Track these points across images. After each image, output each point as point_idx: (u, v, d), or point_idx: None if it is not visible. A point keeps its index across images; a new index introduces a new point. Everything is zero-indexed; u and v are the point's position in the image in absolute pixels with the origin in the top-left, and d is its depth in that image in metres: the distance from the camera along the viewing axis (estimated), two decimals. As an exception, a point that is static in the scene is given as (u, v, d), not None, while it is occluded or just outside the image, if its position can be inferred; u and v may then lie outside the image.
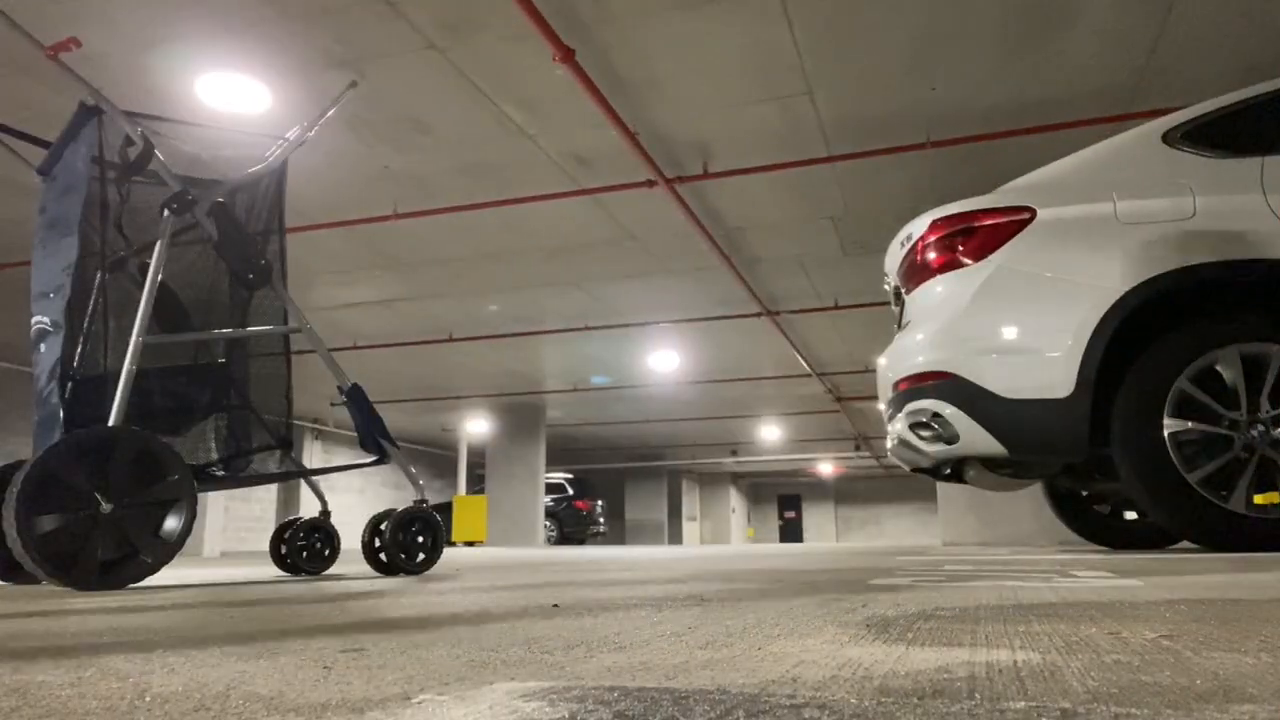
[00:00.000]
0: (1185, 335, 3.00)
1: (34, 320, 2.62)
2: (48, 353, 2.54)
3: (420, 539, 3.08)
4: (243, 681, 0.70)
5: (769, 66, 4.93)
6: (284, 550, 3.33)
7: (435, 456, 22.96)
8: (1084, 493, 4.82)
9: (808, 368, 12.42)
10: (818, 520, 31.73)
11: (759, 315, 9.74)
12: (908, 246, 3.56)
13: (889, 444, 3.74)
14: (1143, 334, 3.12)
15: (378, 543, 3.15)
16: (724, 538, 29.11)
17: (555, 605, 1.42)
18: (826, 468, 27.35)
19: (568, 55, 4.52)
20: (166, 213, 2.67)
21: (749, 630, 1.02)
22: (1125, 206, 3.10)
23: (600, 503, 19.46)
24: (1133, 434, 2.99)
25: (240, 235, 2.79)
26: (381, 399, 15.26)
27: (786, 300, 9.48)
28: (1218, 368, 2.99)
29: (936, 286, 3.35)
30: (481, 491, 16.66)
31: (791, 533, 31.98)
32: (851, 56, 4.85)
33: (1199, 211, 3.00)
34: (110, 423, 2.41)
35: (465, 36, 4.58)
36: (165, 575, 3.18)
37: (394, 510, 3.08)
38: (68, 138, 2.72)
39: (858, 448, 22.16)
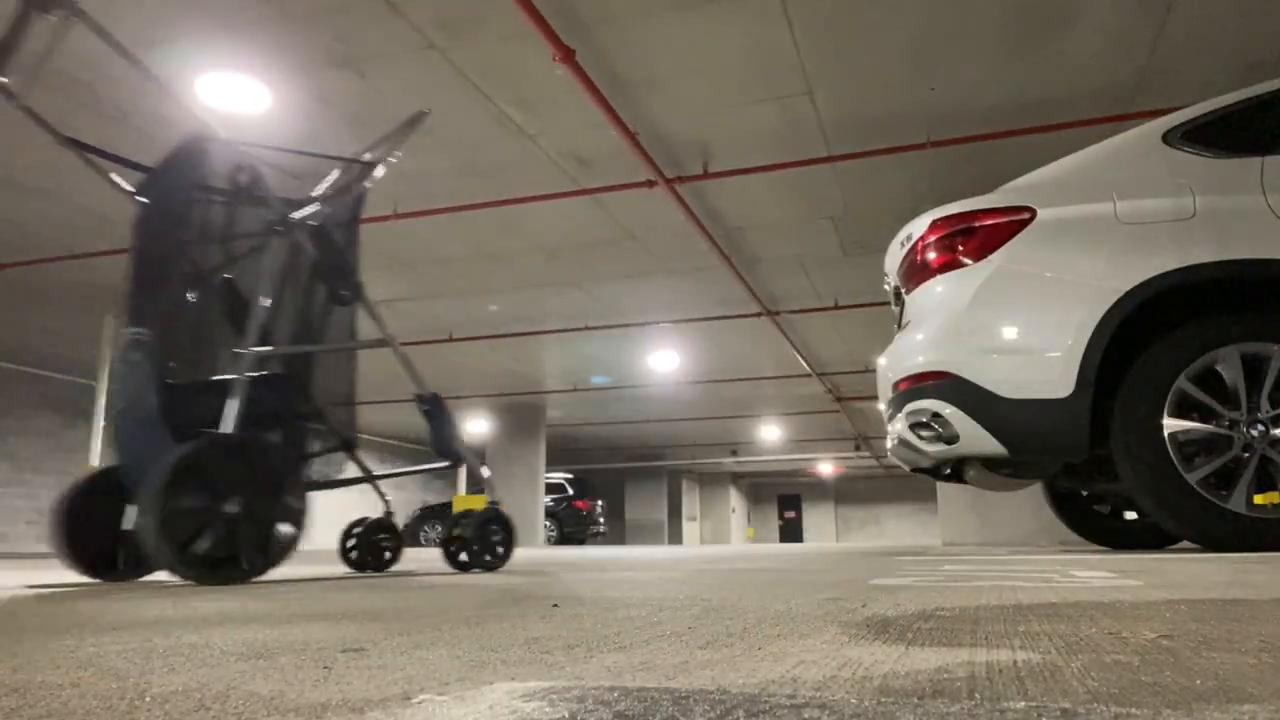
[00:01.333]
0: (1185, 335, 3.00)
1: (130, 331, 2.73)
2: (144, 361, 2.67)
3: (496, 537, 3.35)
4: (243, 681, 0.70)
5: (769, 66, 4.93)
6: (351, 547, 3.49)
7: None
8: (1084, 493, 4.82)
9: (808, 368, 12.42)
10: (818, 520, 31.73)
11: (759, 315, 9.74)
12: (908, 246, 3.56)
13: (889, 444, 3.74)
14: (1143, 334, 3.12)
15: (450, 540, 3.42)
16: (724, 538, 29.11)
17: (555, 605, 1.42)
18: (826, 468, 27.35)
19: (568, 55, 4.52)
20: (272, 234, 2.89)
21: (749, 630, 1.02)
22: (1125, 206, 3.10)
23: (600, 503, 19.46)
24: (1133, 434, 2.99)
25: (337, 256, 3.00)
26: (382, 399, 15.27)
27: (786, 300, 9.48)
28: (1218, 368, 2.99)
29: (936, 286, 3.35)
30: (481, 491, 16.64)
31: (791, 533, 31.98)
32: (851, 56, 4.85)
33: (1199, 211, 3.00)
34: (228, 429, 2.57)
35: (465, 36, 4.58)
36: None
37: (472, 511, 3.39)
38: (173, 164, 2.88)
39: (858, 448, 22.16)
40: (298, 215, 2.92)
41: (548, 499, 18.20)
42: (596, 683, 0.67)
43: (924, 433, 3.35)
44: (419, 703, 0.60)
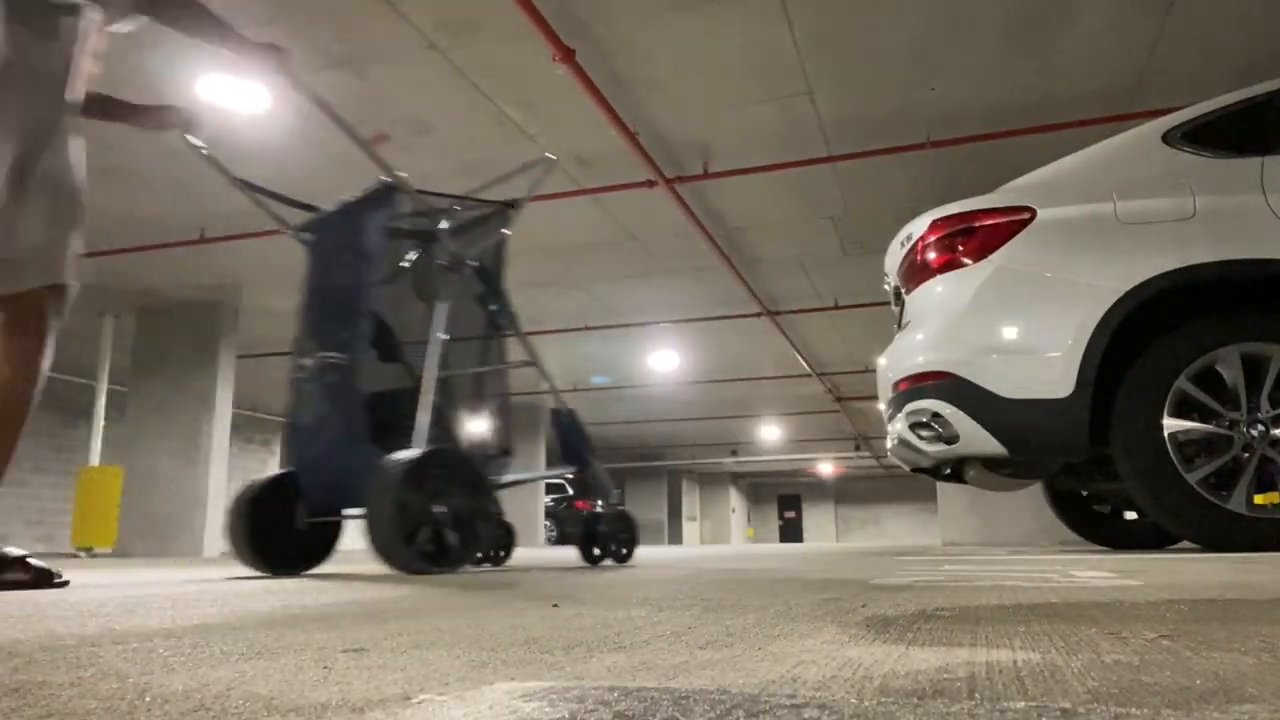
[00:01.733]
0: (1185, 335, 3.00)
1: (321, 355, 3.07)
2: (340, 382, 3.00)
3: (624, 535, 3.86)
4: (243, 681, 0.70)
5: (769, 66, 4.93)
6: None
7: (435, 456, 22.94)
8: (1084, 493, 4.82)
9: (808, 368, 12.42)
10: (818, 520, 31.73)
11: (759, 315, 9.74)
12: (908, 246, 3.56)
13: (889, 444, 3.74)
14: (1143, 334, 3.12)
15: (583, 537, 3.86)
16: (724, 538, 29.11)
17: (555, 605, 1.42)
18: (826, 468, 27.35)
19: (568, 55, 4.52)
20: (449, 272, 3.27)
21: (749, 630, 1.02)
22: (1125, 206, 3.10)
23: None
24: (1133, 434, 2.99)
25: (498, 288, 3.38)
26: (381, 399, 15.26)
27: (786, 300, 9.48)
28: (1218, 368, 2.99)
29: (936, 286, 3.35)
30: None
31: (791, 533, 31.98)
32: (851, 56, 4.85)
33: (1199, 211, 3.00)
34: (421, 442, 2.93)
35: (465, 36, 4.58)
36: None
37: (603, 512, 3.79)
38: (353, 207, 3.21)
39: (858, 448, 22.16)
40: (469, 255, 3.30)
41: (548, 499, 18.20)
42: (596, 683, 0.67)
43: (924, 433, 3.35)
44: (419, 703, 0.60)
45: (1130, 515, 4.85)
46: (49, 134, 2.02)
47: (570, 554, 6.60)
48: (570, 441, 3.50)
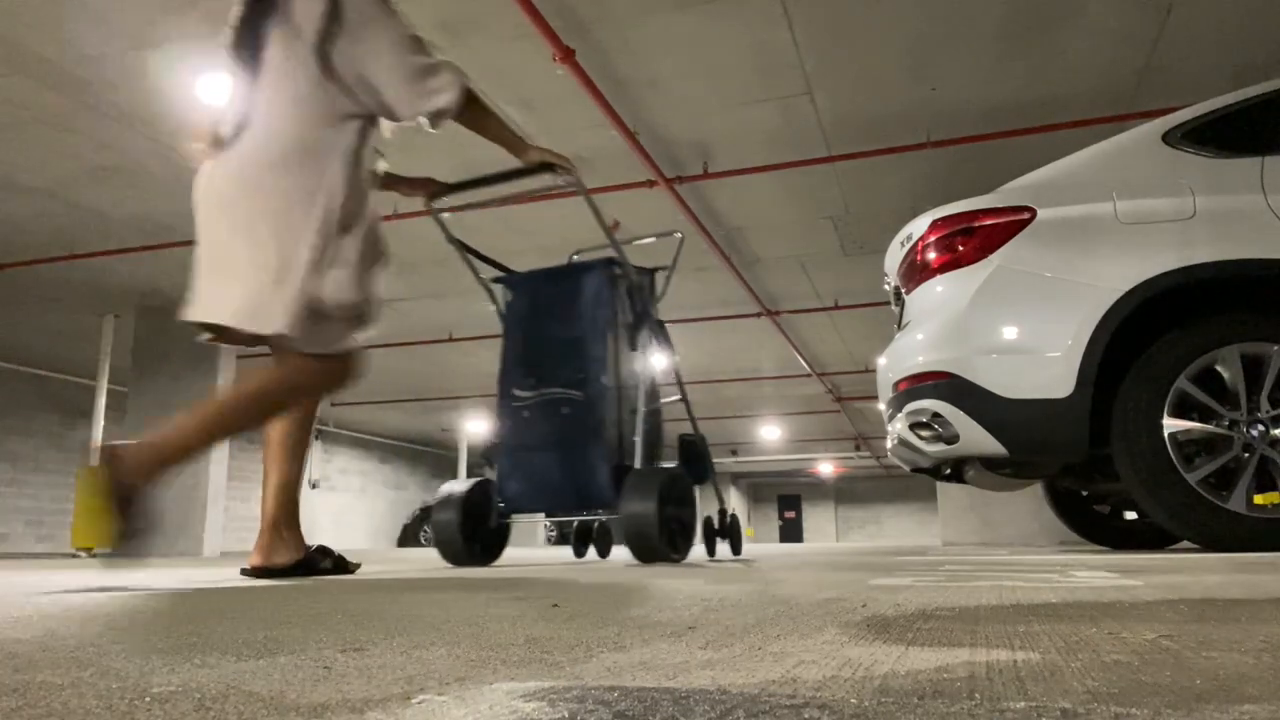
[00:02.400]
0: (1185, 335, 3.01)
1: (547, 390, 3.74)
2: (574, 412, 3.67)
3: (736, 534, 4.54)
4: (242, 682, 0.70)
5: (769, 66, 4.93)
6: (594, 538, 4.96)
7: (435, 456, 22.97)
8: (1084, 493, 4.82)
9: (808, 368, 12.42)
10: (818, 520, 31.74)
11: (759, 315, 9.74)
12: (908, 246, 3.56)
13: (889, 444, 3.74)
14: (1143, 334, 3.12)
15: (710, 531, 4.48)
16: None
17: (555, 605, 1.42)
18: (826, 468, 27.35)
19: (568, 55, 4.52)
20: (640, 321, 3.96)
21: (749, 630, 1.02)
22: (1125, 206, 3.11)
23: (600, 503, 19.41)
24: (1132, 434, 2.99)
25: (663, 334, 3.99)
26: (382, 399, 15.27)
27: (786, 300, 9.48)
28: (1218, 368, 2.99)
29: (936, 286, 3.35)
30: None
31: (791, 533, 31.98)
32: (851, 57, 4.85)
33: (1199, 211, 3.00)
34: (637, 462, 3.70)
35: (465, 36, 4.58)
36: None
37: (724, 509, 4.44)
38: (581, 272, 3.93)
39: (858, 448, 22.16)
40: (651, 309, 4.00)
41: (548, 499, 18.17)
42: (596, 683, 0.67)
43: (924, 433, 3.36)
44: (419, 703, 0.60)
45: (1130, 515, 4.85)
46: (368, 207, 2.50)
47: (570, 554, 6.60)
48: (698, 462, 4.00)
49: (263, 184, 2.32)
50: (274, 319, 2.25)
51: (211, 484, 8.70)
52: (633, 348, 3.86)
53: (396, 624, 1.15)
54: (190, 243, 7.40)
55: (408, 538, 19.81)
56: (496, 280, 4.17)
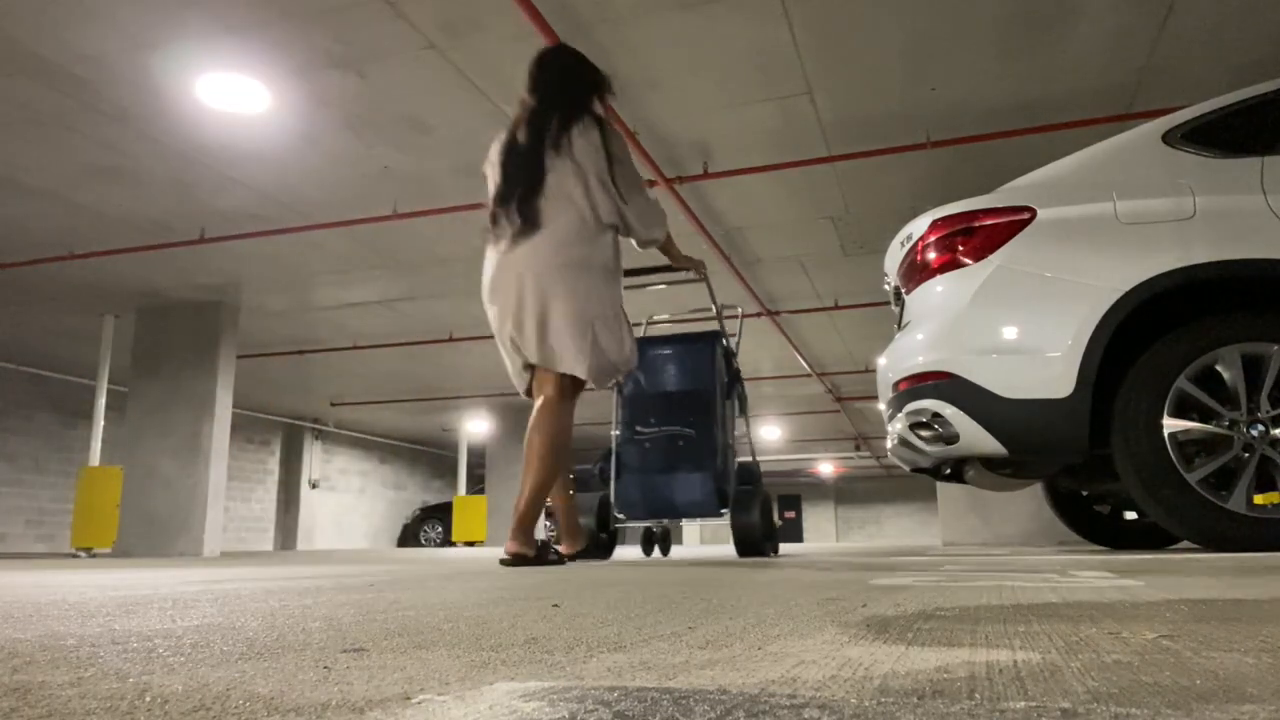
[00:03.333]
0: (1185, 335, 3.01)
1: (668, 429, 4.71)
2: (690, 446, 4.68)
3: (777, 540, 5.13)
4: (243, 681, 0.70)
5: (769, 66, 4.93)
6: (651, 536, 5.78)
7: (435, 456, 22.97)
8: (1084, 493, 4.82)
9: (808, 368, 12.42)
10: (817, 520, 31.73)
11: (759, 315, 9.74)
12: (908, 246, 3.56)
13: (889, 444, 3.74)
14: (1143, 334, 3.12)
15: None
16: (724, 538, 29.11)
17: (555, 605, 1.42)
18: (826, 468, 27.34)
19: (568, 55, 4.52)
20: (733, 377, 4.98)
21: (749, 630, 1.02)
22: (1125, 206, 3.11)
23: (600, 503, 19.42)
24: (1132, 434, 2.99)
25: (741, 385, 5.04)
26: (382, 399, 15.27)
27: (786, 300, 9.48)
28: (1218, 368, 2.99)
29: (936, 286, 3.35)
30: (481, 491, 16.67)
31: (791, 533, 31.98)
32: (851, 56, 4.85)
33: (1199, 211, 3.00)
34: (731, 483, 4.73)
35: (465, 36, 4.58)
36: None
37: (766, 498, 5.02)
38: (694, 340, 4.90)
39: (858, 448, 22.16)
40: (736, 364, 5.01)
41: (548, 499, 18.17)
42: (596, 683, 0.67)
43: (924, 433, 3.36)
44: (419, 703, 0.61)
45: (1130, 515, 4.85)
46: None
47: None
48: (754, 484, 4.81)
49: (565, 274, 3.21)
50: (579, 366, 3.28)
51: (211, 484, 8.70)
52: (727, 398, 4.84)
53: (396, 624, 1.15)
54: (191, 242, 7.41)
55: (407, 538, 19.81)
56: None
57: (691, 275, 4.24)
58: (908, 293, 3.57)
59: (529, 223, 3.27)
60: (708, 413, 4.70)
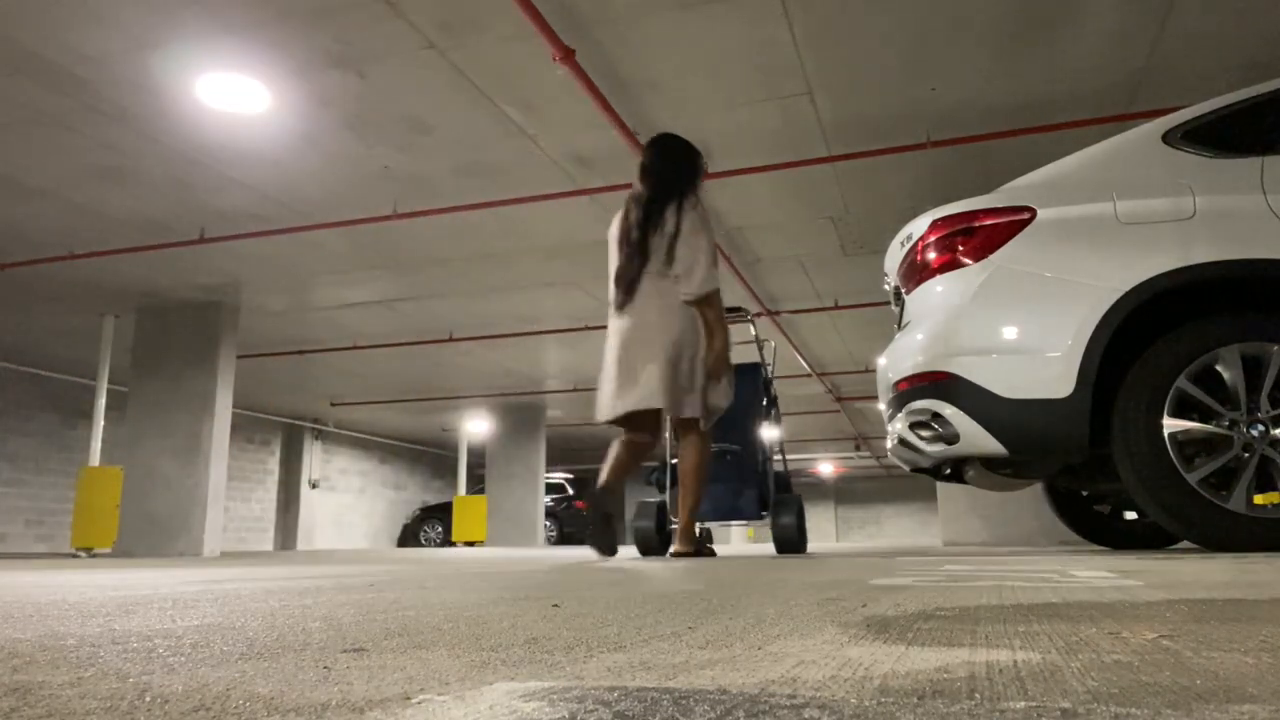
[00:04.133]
0: (1185, 335, 3.01)
1: (720, 444, 5.30)
2: (735, 459, 5.36)
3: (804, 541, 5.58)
4: (243, 681, 0.70)
5: (769, 66, 4.93)
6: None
7: (435, 456, 22.98)
8: (1084, 493, 4.82)
9: (808, 368, 12.42)
10: (817, 520, 31.73)
11: (759, 315, 9.74)
12: (908, 246, 3.56)
13: (889, 444, 3.74)
14: (1143, 333, 3.12)
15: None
16: (724, 538, 29.11)
17: (555, 605, 1.42)
18: (826, 468, 27.33)
19: (568, 55, 4.53)
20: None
21: (749, 630, 1.02)
22: (1125, 206, 3.10)
23: (600, 503, 19.43)
24: (1132, 434, 2.99)
25: (779, 410, 5.73)
26: (382, 399, 15.27)
27: (786, 300, 9.48)
28: (1218, 368, 2.99)
29: (936, 286, 3.35)
30: (481, 491, 16.67)
31: (791, 533, 31.92)
32: (851, 56, 4.85)
33: (1199, 211, 3.00)
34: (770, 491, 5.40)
35: (465, 36, 4.58)
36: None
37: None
38: (740, 369, 5.43)
39: (858, 448, 22.16)
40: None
41: (548, 499, 18.21)
42: (596, 683, 0.67)
43: (924, 433, 3.36)
44: (419, 703, 0.61)
45: (1130, 515, 4.85)
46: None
47: (571, 553, 6.60)
48: (784, 520, 5.37)
49: (663, 335, 3.98)
50: (694, 410, 4.06)
51: (211, 484, 8.71)
52: (766, 418, 5.51)
53: (396, 624, 1.15)
54: (191, 242, 7.42)
55: (407, 538, 19.81)
56: None
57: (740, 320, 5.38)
58: (908, 293, 3.57)
59: (631, 294, 4.09)
60: (750, 431, 5.42)
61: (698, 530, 6.08)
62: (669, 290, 4.03)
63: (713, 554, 4.46)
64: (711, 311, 4.07)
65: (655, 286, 4.05)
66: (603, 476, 4.26)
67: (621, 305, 4.13)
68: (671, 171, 4.24)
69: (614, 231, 4.29)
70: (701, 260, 4.02)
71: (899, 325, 3.78)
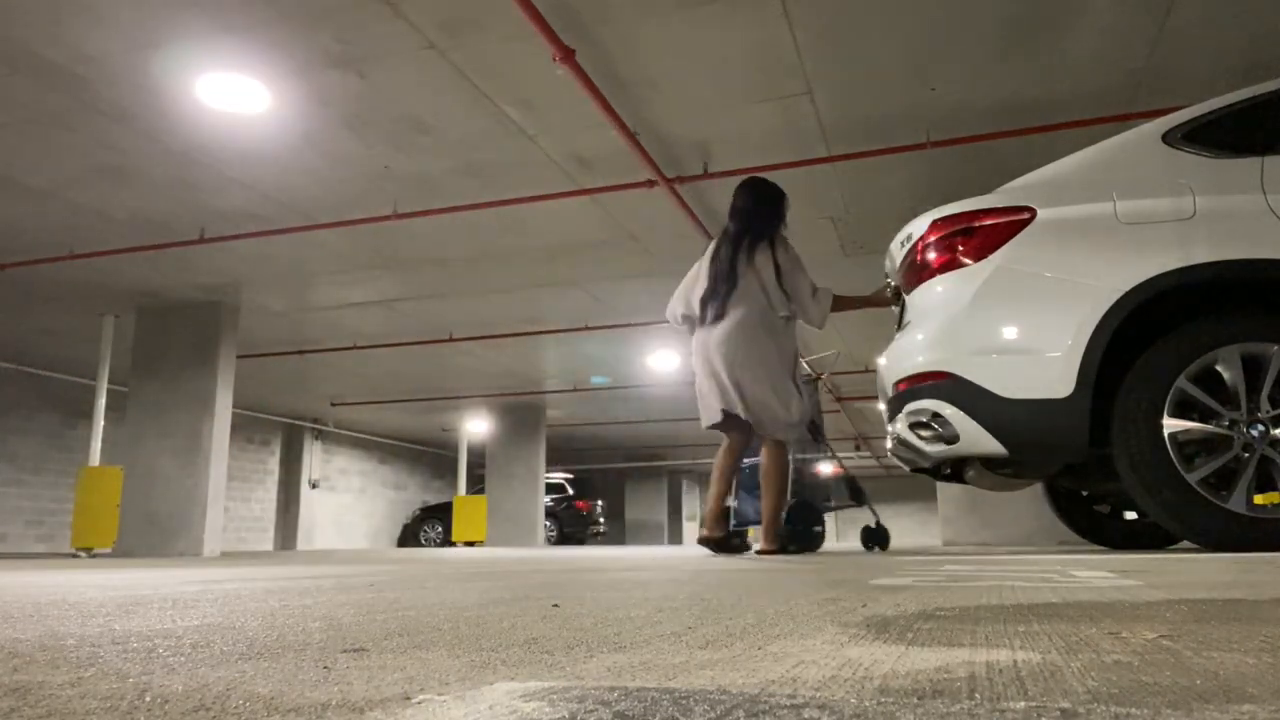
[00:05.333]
0: (1185, 335, 3.01)
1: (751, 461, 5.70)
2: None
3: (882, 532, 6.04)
4: (243, 681, 0.70)
5: (769, 66, 4.93)
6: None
7: (435, 456, 22.97)
8: (1084, 493, 4.82)
9: (807, 368, 12.42)
10: (818, 520, 31.70)
11: (759, 315, 9.73)
12: (908, 246, 3.56)
13: (889, 444, 3.74)
14: (1143, 334, 3.12)
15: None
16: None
17: (555, 605, 1.42)
18: (826, 468, 27.26)
19: (568, 55, 4.52)
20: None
21: (749, 630, 1.02)
22: (1125, 206, 3.10)
23: (600, 503, 19.47)
24: (1132, 434, 2.99)
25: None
26: (382, 399, 15.27)
27: (786, 300, 9.47)
28: (1218, 368, 2.99)
29: (936, 286, 3.35)
30: (481, 491, 16.68)
31: (791, 533, 31.94)
32: (851, 56, 4.85)
33: (1199, 211, 3.00)
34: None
35: (465, 36, 4.58)
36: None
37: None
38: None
39: (858, 448, 22.17)
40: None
41: (548, 499, 18.20)
42: (596, 683, 0.67)
43: (924, 433, 3.35)
44: (419, 703, 0.61)
45: (1130, 515, 4.85)
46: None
47: (571, 553, 6.60)
48: (857, 488, 6.07)
49: (751, 352, 4.52)
50: (778, 431, 4.58)
51: (211, 484, 8.71)
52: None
53: (396, 624, 1.15)
54: (191, 242, 7.42)
55: (407, 538, 19.81)
56: None
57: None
58: (908, 293, 3.57)
59: (721, 315, 4.57)
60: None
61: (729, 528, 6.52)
62: (757, 316, 4.54)
63: (747, 548, 4.97)
64: (839, 308, 4.79)
65: (745, 312, 4.54)
66: (714, 486, 4.77)
67: (712, 323, 4.63)
68: (761, 213, 4.71)
69: (706, 259, 4.80)
70: (811, 292, 4.67)
71: (899, 325, 3.78)
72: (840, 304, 4.74)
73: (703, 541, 4.68)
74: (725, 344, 4.53)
